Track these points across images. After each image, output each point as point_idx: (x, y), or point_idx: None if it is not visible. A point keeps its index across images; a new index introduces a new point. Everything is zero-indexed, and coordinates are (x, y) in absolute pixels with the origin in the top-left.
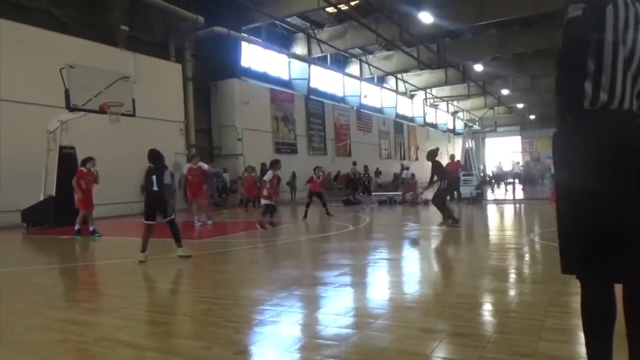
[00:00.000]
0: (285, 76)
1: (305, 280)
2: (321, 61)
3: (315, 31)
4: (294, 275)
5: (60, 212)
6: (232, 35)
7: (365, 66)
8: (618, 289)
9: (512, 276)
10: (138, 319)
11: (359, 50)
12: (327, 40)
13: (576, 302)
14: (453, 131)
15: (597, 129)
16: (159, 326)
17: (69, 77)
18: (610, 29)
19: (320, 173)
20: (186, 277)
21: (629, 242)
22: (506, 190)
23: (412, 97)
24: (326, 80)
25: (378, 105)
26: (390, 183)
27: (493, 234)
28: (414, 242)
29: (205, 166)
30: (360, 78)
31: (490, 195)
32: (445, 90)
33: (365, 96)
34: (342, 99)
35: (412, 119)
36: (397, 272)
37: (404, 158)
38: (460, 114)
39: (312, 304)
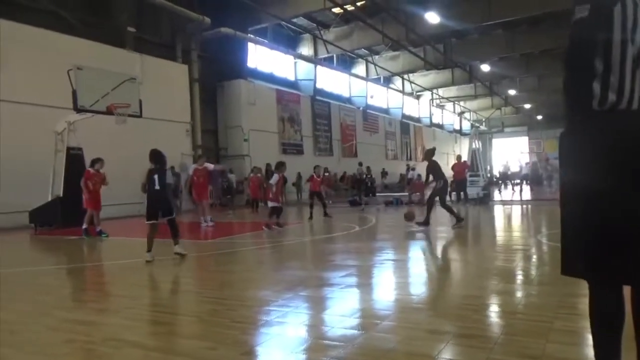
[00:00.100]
0: (291, 77)
1: (311, 281)
2: (327, 62)
3: (322, 32)
4: (300, 276)
5: (68, 212)
6: (239, 36)
7: (371, 67)
8: (627, 290)
9: (520, 277)
10: (145, 319)
11: (365, 51)
12: (333, 40)
13: (584, 303)
14: (460, 132)
15: (605, 129)
16: (165, 326)
17: (77, 78)
18: (618, 28)
19: (326, 173)
20: (192, 278)
21: (636, 243)
22: (513, 191)
23: (418, 97)
24: (332, 81)
25: (384, 106)
26: (396, 184)
27: (500, 235)
28: (420, 243)
29: (211, 166)
30: (366, 78)
31: (497, 196)
32: (452, 91)
33: (371, 97)
34: (348, 100)
35: (418, 120)
36: (404, 273)
37: (410, 159)
38: (467, 115)
39: (318, 305)
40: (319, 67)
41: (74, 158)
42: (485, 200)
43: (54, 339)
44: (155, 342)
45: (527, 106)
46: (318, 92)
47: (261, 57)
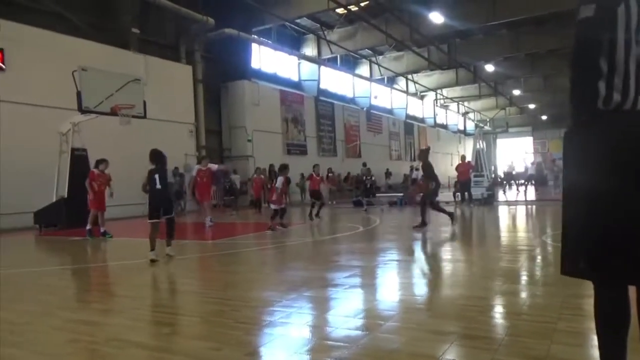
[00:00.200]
0: (295, 77)
1: (315, 282)
2: (331, 62)
3: (325, 32)
4: (304, 276)
5: (73, 213)
6: (242, 37)
7: (375, 67)
8: (633, 292)
9: (524, 278)
10: (148, 320)
11: (369, 51)
12: (337, 41)
13: (589, 304)
14: (464, 132)
15: (609, 129)
16: (169, 327)
17: (81, 79)
18: (622, 28)
19: (330, 174)
20: (196, 278)
21: (638, 243)
22: (518, 191)
23: (422, 97)
24: (336, 81)
25: (388, 106)
26: (400, 184)
27: (504, 235)
28: (424, 244)
29: (214, 167)
30: (370, 79)
31: (501, 196)
32: (456, 91)
33: (375, 97)
34: (352, 100)
35: (422, 120)
36: (407, 274)
37: (414, 159)
38: (471, 115)
39: (322, 306)
40: (322, 67)
41: (79, 159)
42: (489, 201)
43: (58, 339)
44: (158, 342)
45: (532, 106)
46: (322, 92)
47: (265, 57)
